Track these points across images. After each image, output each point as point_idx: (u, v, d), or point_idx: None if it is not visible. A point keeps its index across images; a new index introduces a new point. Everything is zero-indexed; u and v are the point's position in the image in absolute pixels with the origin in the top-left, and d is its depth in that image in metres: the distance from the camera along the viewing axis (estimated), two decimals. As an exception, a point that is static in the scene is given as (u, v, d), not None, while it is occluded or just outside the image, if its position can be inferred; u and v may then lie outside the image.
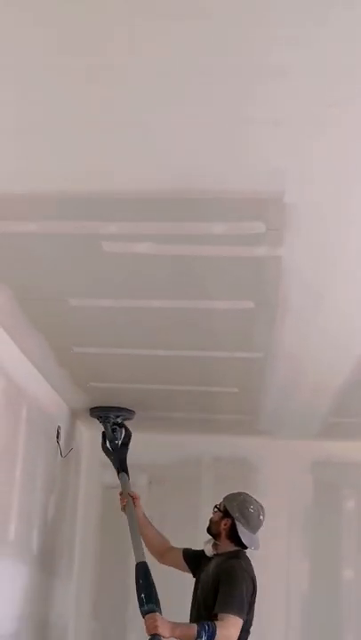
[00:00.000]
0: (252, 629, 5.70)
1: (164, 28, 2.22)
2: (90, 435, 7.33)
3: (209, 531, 5.94)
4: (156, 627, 5.13)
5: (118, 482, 7.30)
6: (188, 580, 5.97)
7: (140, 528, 6.21)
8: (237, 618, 5.31)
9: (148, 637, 5.17)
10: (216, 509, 5.93)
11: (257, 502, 5.84)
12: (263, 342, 4.67)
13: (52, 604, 6.41)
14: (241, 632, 5.38)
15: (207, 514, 5.78)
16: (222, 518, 5.80)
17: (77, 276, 3.94)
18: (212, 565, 5.75)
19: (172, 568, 6.26)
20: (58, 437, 6.15)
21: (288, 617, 6.85)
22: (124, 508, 6.32)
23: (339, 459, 7.23)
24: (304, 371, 5.15)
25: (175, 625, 5.26)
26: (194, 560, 6.10)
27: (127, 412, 6.59)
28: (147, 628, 5.20)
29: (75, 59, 2.37)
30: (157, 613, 5.28)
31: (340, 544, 7.17)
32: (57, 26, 2.24)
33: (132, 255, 3.62)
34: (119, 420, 6.60)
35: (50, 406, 5.88)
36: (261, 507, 5.83)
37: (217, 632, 5.09)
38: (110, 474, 7.33)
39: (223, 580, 5.48)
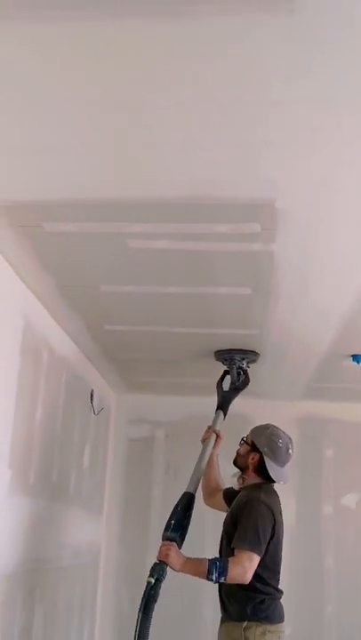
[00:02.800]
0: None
1: (182, 66, 2.25)
2: (117, 397, 7.35)
3: (235, 463, 5.09)
4: (167, 555, 4.44)
5: (141, 435, 7.45)
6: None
7: (207, 465, 5.30)
8: (251, 553, 4.48)
9: (156, 562, 4.48)
10: (243, 442, 5.08)
11: (285, 435, 4.99)
12: (258, 321, 4.67)
13: (86, 535, 6.43)
14: (263, 569, 4.57)
15: None
16: (250, 452, 4.95)
17: (107, 267, 3.95)
18: (236, 498, 4.95)
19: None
20: (91, 399, 6.13)
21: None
22: (204, 440, 5.45)
23: (320, 416, 7.22)
24: (292, 344, 5.15)
25: (188, 560, 4.51)
26: (230, 498, 5.13)
27: (253, 355, 5.58)
28: (159, 552, 4.51)
29: (113, 92, 2.39)
30: (175, 544, 4.51)
31: (321, 485, 7.18)
32: (87, 68, 2.26)
33: (152, 250, 3.64)
34: (244, 365, 5.64)
35: (85, 373, 5.89)
36: (290, 439, 5.00)
37: (228, 568, 4.39)
38: (135, 429, 7.39)
39: (240, 514, 4.69)
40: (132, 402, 7.38)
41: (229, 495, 5.18)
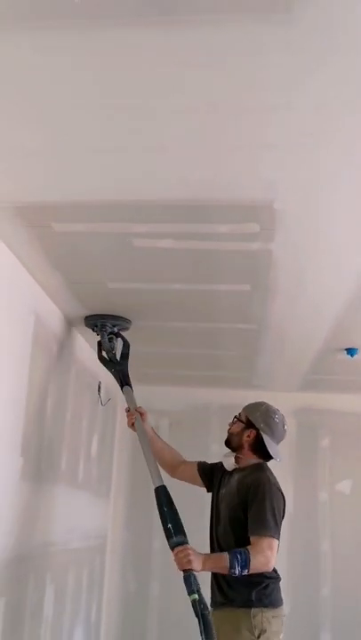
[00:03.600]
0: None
1: (184, 73, 2.25)
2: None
3: (228, 444, 4.63)
4: (190, 561, 3.89)
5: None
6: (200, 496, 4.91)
7: (150, 443, 4.79)
8: (272, 539, 4.12)
9: (182, 574, 3.91)
10: (236, 420, 4.63)
11: (279, 411, 4.59)
12: (257, 316, 4.67)
13: (94, 519, 6.44)
14: None
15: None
16: (245, 429, 4.50)
17: (114, 265, 3.95)
18: (234, 480, 4.47)
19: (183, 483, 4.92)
20: (99, 390, 6.14)
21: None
22: (132, 425, 4.88)
23: (316, 407, 7.23)
24: (288, 338, 5.16)
25: (206, 557, 4.05)
26: (210, 473, 4.76)
27: (124, 322, 4.97)
28: (178, 562, 3.94)
29: (119, 98, 2.40)
30: (188, 546, 3.97)
31: (317, 472, 7.19)
32: (94, 75, 2.27)
33: (156, 249, 3.64)
34: (115, 330, 4.99)
35: (93, 366, 5.89)
36: (283, 416, 4.60)
37: (251, 559, 3.97)
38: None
39: (252, 498, 4.24)
40: (138, 392, 7.35)
41: (207, 470, 4.79)
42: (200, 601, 3.78)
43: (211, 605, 4.20)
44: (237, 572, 3.96)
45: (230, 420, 4.70)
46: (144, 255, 3.74)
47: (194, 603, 3.78)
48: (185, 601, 3.78)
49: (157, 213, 3.28)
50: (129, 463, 7.34)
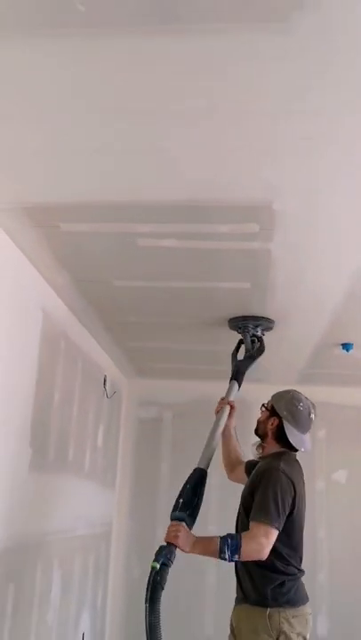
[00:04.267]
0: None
1: (186, 80, 2.26)
2: (128, 382, 7.36)
3: (256, 432, 4.40)
4: (176, 536, 3.72)
5: (150, 416, 7.47)
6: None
7: (223, 438, 4.62)
8: (269, 526, 3.78)
9: (162, 544, 3.76)
10: (263, 408, 4.39)
11: (307, 400, 4.32)
12: (257, 313, 4.68)
13: (99, 507, 6.45)
14: (283, 546, 3.91)
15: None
16: (269, 417, 4.27)
17: (119, 263, 3.95)
18: (255, 468, 4.25)
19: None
20: (104, 383, 6.15)
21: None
22: (217, 412, 4.65)
23: (313, 399, 7.21)
24: (288, 334, 5.16)
25: (197, 540, 3.80)
26: (251, 470, 4.37)
27: (267, 322, 4.83)
28: (167, 533, 3.78)
29: (125, 103, 2.40)
30: (184, 524, 3.78)
31: (314, 463, 7.18)
32: (100, 81, 2.27)
33: (159, 248, 3.65)
34: (258, 332, 4.87)
35: (98, 360, 5.90)
36: (313, 405, 4.33)
37: (242, 545, 3.70)
38: (144, 410, 7.42)
39: (258, 485, 3.98)
40: (142, 386, 7.40)
41: (250, 467, 4.44)
42: (158, 572, 3.64)
43: (235, 600, 4.10)
44: (228, 558, 3.70)
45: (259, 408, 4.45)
46: (148, 254, 3.74)
47: (152, 570, 3.66)
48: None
49: (160, 214, 3.29)
50: (133, 454, 7.36)
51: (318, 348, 5.57)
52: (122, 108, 2.44)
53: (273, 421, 4.23)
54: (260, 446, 4.36)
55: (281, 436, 4.19)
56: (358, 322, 4.82)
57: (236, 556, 3.71)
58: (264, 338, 4.94)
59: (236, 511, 4.24)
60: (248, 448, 4.66)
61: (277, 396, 4.35)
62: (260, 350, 4.91)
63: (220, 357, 5.99)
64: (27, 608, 4.18)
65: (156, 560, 3.66)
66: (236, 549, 3.69)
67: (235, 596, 4.10)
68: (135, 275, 4.11)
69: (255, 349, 4.90)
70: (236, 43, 2.05)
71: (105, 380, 6.17)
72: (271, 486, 3.91)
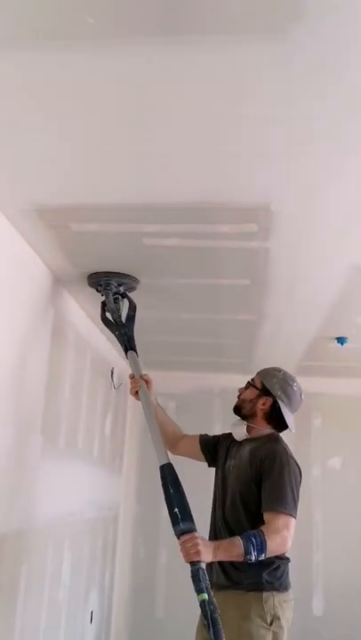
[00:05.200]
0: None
1: (188, 89, 2.27)
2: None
3: (238, 411, 3.94)
4: (198, 552, 3.15)
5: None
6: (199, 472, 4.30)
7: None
8: (289, 517, 3.45)
9: (190, 565, 3.18)
10: (250, 385, 3.95)
11: (297, 379, 3.99)
12: (256, 308, 4.68)
13: (107, 492, 6.46)
14: None
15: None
16: (260, 397, 3.85)
17: (125, 261, 3.96)
18: (245, 451, 3.80)
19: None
20: (111, 375, 6.15)
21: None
22: (136, 393, 4.12)
23: (309, 390, 7.14)
24: (284, 328, 5.16)
25: (217, 545, 3.33)
26: (213, 446, 4.10)
27: (131, 280, 4.11)
28: (185, 553, 3.19)
29: (130, 111, 2.42)
30: (196, 534, 3.24)
31: (310, 450, 7.20)
32: (107, 91, 2.29)
33: (164, 247, 3.65)
34: (121, 290, 4.13)
35: (106, 353, 5.91)
36: (300, 384, 3.99)
37: (267, 542, 3.29)
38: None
39: (268, 471, 3.58)
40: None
41: (210, 444, 4.12)
42: (210, 602, 3.03)
43: (214, 586, 3.44)
44: (254, 559, 3.27)
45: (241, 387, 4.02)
46: (153, 253, 3.75)
47: (203, 604, 3.03)
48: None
49: (165, 215, 3.29)
50: (139, 441, 7.37)
51: (314, 342, 5.58)
52: (129, 117, 2.45)
53: (265, 401, 3.85)
54: (248, 427, 3.89)
55: (272, 417, 3.85)
56: (352, 317, 4.83)
57: (263, 555, 3.29)
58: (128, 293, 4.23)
59: (215, 496, 3.93)
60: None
61: (267, 374, 3.95)
62: (133, 307, 4.23)
63: (222, 350, 6.01)
64: (38, 587, 4.19)
65: (199, 591, 3.07)
66: (261, 548, 3.27)
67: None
68: (140, 272, 4.11)
69: (129, 308, 4.22)
70: (235, 52, 2.06)
71: (112, 373, 6.18)
72: (286, 473, 3.56)
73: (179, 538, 3.25)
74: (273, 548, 3.33)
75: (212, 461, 4.14)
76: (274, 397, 3.84)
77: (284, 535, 3.39)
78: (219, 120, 2.44)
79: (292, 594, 3.71)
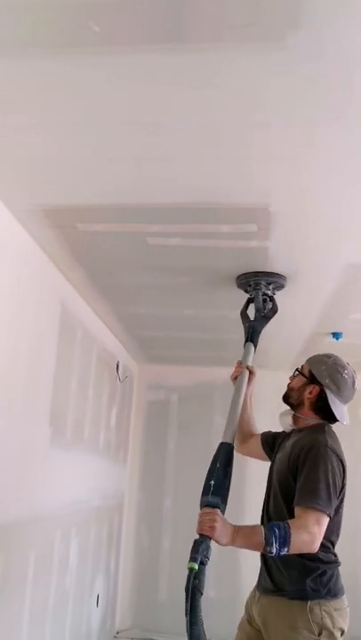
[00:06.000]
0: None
1: (190, 94, 2.26)
2: (138, 367, 7.38)
3: (286, 399, 3.52)
4: (213, 527, 2.86)
5: (158, 398, 7.50)
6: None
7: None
8: (321, 513, 2.95)
9: (196, 538, 2.88)
10: (297, 373, 3.53)
11: (350, 366, 3.46)
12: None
13: (112, 481, 6.47)
14: (330, 533, 3.08)
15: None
16: (307, 385, 3.42)
17: (129, 260, 3.95)
18: (289, 443, 3.38)
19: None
20: (117, 369, 6.17)
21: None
22: (235, 378, 3.82)
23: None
24: (283, 324, 5.16)
25: (237, 530, 2.92)
26: (272, 442, 3.66)
27: (279, 278, 4.01)
28: (200, 524, 2.90)
29: (136, 116, 2.42)
30: (218, 512, 2.93)
31: (355, 443, 6.95)
32: (113, 97, 2.28)
33: (167, 246, 3.65)
34: (270, 292, 4.06)
35: (112, 347, 5.91)
36: (354, 372, 3.46)
37: (291, 535, 2.84)
38: (153, 393, 7.43)
39: (303, 462, 3.13)
40: (151, 371, 7.42)
41: (270, 440, 3.70)
42: (197, 575, 2.76)
43: (257, 589, 3.33)
44: (274, 551, 2.84)
45: (291, 374, 3.61)
46: (156, 252, 3.74)
47: (190, 572, 2.77)
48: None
49: (168, 215, 3.29)
50: (143, 432, 7.39)
51: (311, 337, 5.58)
52: (134, 121, 2.45)
53: (312, 389, 3.40)
54: (295, 417, 3.48)
55: (320, 407, 3.38)
56: (348, 313, 4.83)
57: (286, 549, 2.85)
58: (275, 297, 4.15)
59: (264, 492, 3.47)
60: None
61: (316, 360, 3.51)
62: (274, 310, 4.10)
63: (223, 345, 6.01)
64: (47, 572, 4.21)
65: (192, 559, 2.79)
66: (285, 541, 2.84)
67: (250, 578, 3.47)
68: (144, 270, 4.11)
69: (268, 309, 4.09)
70: (236, 60, 2.06)
71: (117, 366, 6.19)
72: (322, 466, 3.08)
73: (201, 509, 2.97)
74: (298, 545, 2.88)
75: (271, 458, 3.65)
76: (321, 386, 3.37)
77: (313, 532, 2.92)
78: (220, 123, 2.43)
79: (345, 600, 3.19)
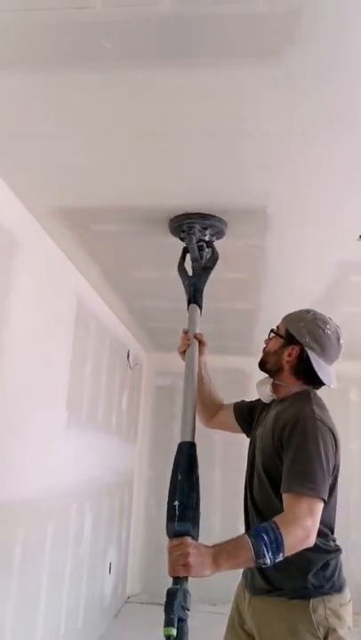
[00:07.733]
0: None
1: (192, 106, 2.26)
2: (147, 355, 7.38)
3: (263, 366, 2.75)
4: (187, 565, 2.06)
5: (166, 383, 7.43)
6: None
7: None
8: (313, 499, 2.23)
9: (171, 587, 2.05)
10: (273, 334, 2.76)
11: (332, 320, 2.69)
12: (254, 298, 4.67)
13: (123, 459, 6.49)
14: (326, 518, 2.34)
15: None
16: (285, 346, 2.66)
17: (140, 257, 3.95)
18: (270, 415, 2.64)
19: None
20: (128, 357, 6.17)
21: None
22: (183, 353, 3.06)
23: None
24: (279, 316, 5.15)
25: (218, 551, 2.10)
26: (249, 413, 2.92)
27: (219, 223, 3.19)
28: (170, 564, 2.09)
29: (142, 125, 2.41)
30: (189, 539, 2.12)
31: (349, 423, 7.00)
32: (121, 108, 2.28)
33: (172, 245, 3.65)
34: (207, 237, 3.23)
35: (123, 337, 5.91)
36: (337, 326, 2.67)
37: (284, 538, 2.11)
38: (161, 379, 7.40)
39: (288, 439, 2.37)
40: (159, 358, 7.41)
41: (245, 412, 2.96)
42: (177, 638, 1.95)
43: (246, 589, 2.59)
44: (269, 562, 2.10)
45: (266, 337, 2.83)
46: (164, 249, 3.74)
47: (168, 639, 1.95)
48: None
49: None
50: (152, 415, 7.39)
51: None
52: (143, 131, 2.46)
53: (291, 351, 2.64)
54: (274, 385, 2.72)
55: (302, 370, 2.62)
56: (340, 307, 4.82)
57: (281, 554, 2.12)
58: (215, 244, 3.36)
59: (245, 474, 2.70)
60: None
61: (293, 318, 2.75)
62: (215, 259, 3.32)
63: (224, 335, 6.00)
64: (63, 543, 4.22)
65: (168, 623, 1.96)
66: (277, 548, 2.10)
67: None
68: (152, 267, 4.11)
69: (210, 258, 3.31)
70: (235, 74, 2.07)
71: (128, 354, 6.19)
72: (312, 441, 2.34)
73: (170, 538, 2.17)
74: (293, 544, 2.15)
75: (248, 431, 2.91)
76: (302, 346, 2.62)
77: (307, 525, 2.19)
78: (220, 132, 2.44)
79: (348, 593, 2.48)
